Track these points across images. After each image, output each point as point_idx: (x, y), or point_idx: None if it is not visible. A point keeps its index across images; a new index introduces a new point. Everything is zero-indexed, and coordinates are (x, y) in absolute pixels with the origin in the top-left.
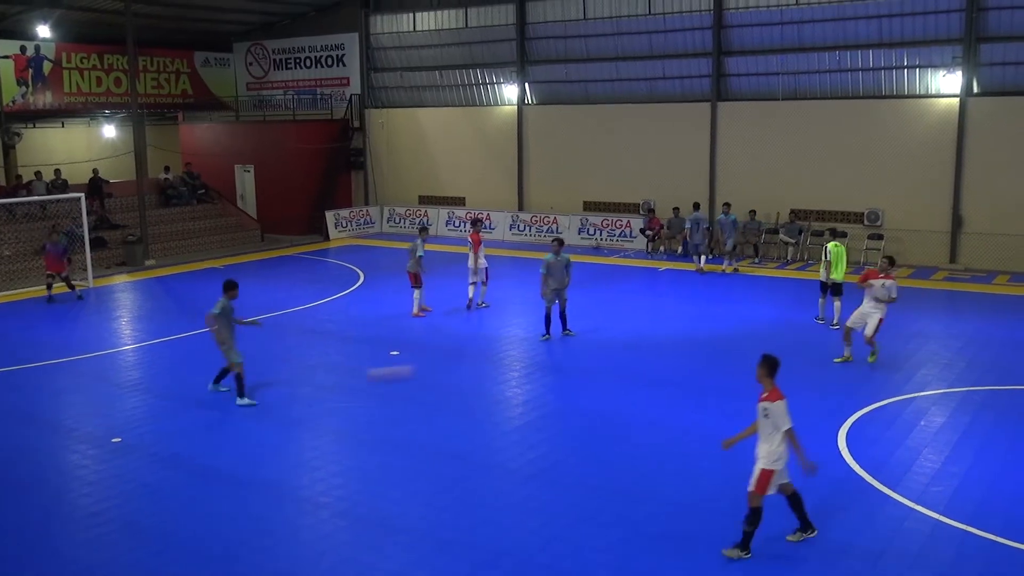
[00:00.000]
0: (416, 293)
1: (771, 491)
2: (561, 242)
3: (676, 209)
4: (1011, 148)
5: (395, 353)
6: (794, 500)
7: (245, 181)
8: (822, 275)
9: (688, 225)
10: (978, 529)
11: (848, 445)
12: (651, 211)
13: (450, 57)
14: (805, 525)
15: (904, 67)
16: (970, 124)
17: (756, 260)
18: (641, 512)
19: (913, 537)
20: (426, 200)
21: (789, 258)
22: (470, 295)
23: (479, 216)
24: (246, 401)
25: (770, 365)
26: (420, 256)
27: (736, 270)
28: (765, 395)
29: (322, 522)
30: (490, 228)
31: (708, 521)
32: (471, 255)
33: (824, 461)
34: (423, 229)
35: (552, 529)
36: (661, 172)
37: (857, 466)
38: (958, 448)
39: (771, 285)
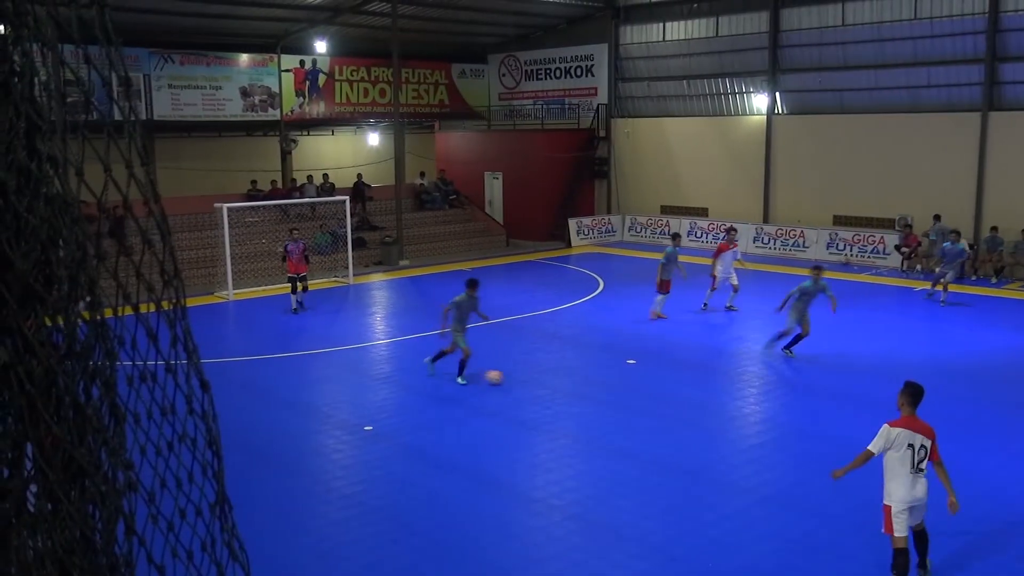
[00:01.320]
0: (660, 297)
1: (898, 531)
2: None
3: (936, 217)
4: None
5: (631, 362)
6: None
7: (494, 188)
8: None
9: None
10: None
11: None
12: (908, 227)
13: (699, 66)
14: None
15: None
16: None
17: None
18: (875, 548)
19: None
20: (668, 210)
21: None
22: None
23: (732, 226)
24: (461, 380)
25: (910, 393)
26: (664, 263)
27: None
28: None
29: (554, 524)
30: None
31: (953, 558)
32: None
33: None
34: (676, 236)
35: (787, 556)
36: (921, 186)
37: None
38: None
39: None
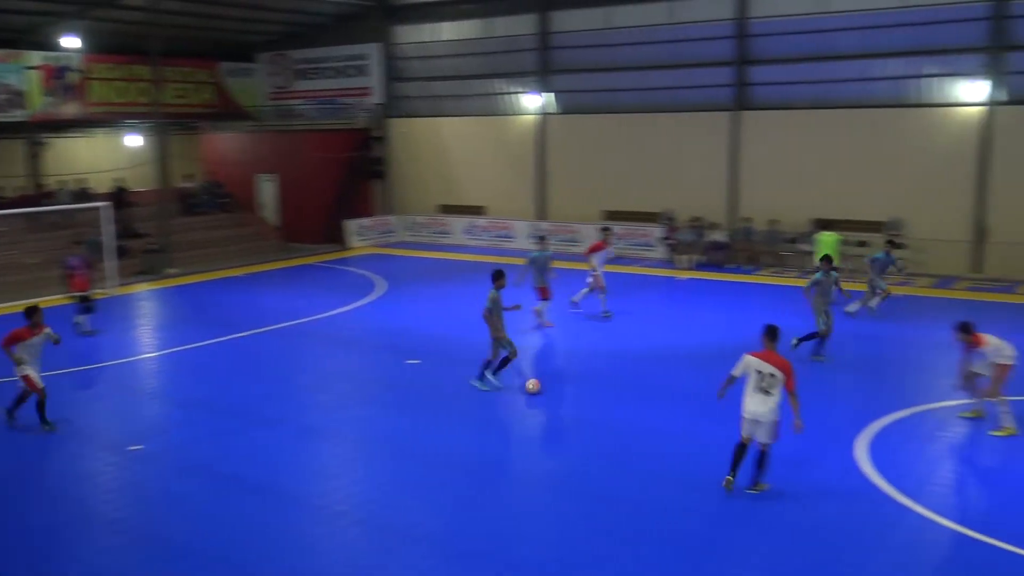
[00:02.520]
0: (540, 305)
1: (743, 431)
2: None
3: (697, 219)
4: None
5: (415, 362)
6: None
7: (267, 190)
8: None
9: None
10: (995, 539)
11: (869, 455)
12: (671, 220)
13: (472, 67)
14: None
15: (929, 76)
16: (997, 133)
17: (778, 270)
18: (660, 524)
19: (932, 548)
20: (446, 209)
21: (810, 268)
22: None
23: (607, 225)
24: (494, 381)
25: (766, 333)
26: (531, 267)
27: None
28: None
29: (340, 531)
30: (511, 237)
31: (736, 531)
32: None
33: (843, 471)
34: (542, 238)
35: (572, 542)
36: (682, 182)
37: (877, 476)
38: (980, 459)
39: (793, 295)
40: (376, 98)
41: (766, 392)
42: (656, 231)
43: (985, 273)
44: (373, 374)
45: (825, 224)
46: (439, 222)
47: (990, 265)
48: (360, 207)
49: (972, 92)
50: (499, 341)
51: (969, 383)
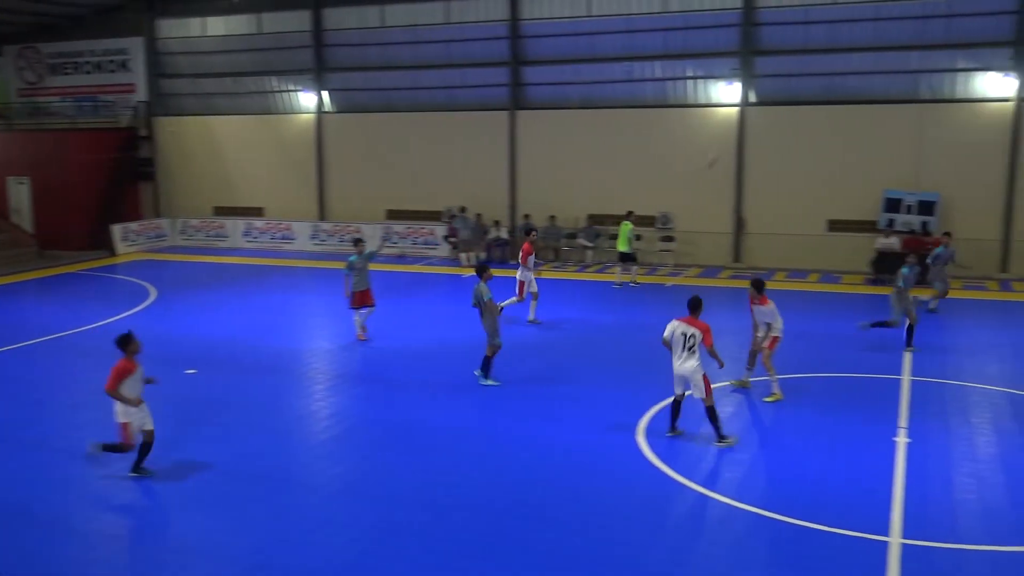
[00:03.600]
0: (364, 313)
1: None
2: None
3: (479, 215)
4: (785, 153)
5: (191, 371)
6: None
7: (19, 194)
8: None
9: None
10: (766, 510)
11: (646, 437)
12: (453, 218)
13: (245, 64)
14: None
15: (688, 78)
16: (749, 132)
17: (557, 264)
18: (453, 521)
19: (708, 523)
20: (223, 211)
21: (587, 261)
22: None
23: (531, 225)
24: (490, 382)
25: (690, 304)
26: (346, 273)
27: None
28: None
29: (115, 555)
30: (291, 238)
31: (521, 525)
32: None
33: (624, 455)
34: (359, 241)
35: (362, 544)
36: (463, 179)
37: (655, 457)
38: (750, 435)
39: (571, 288)
40: (140, 95)
41: (690, 351)
42: (439, 229)
43: (744, 262)
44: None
45: (599, 220)
46: (215, 224)
47: (748, 255)
48: (128, 211)
49: (728, 93)
50: (492, 338)
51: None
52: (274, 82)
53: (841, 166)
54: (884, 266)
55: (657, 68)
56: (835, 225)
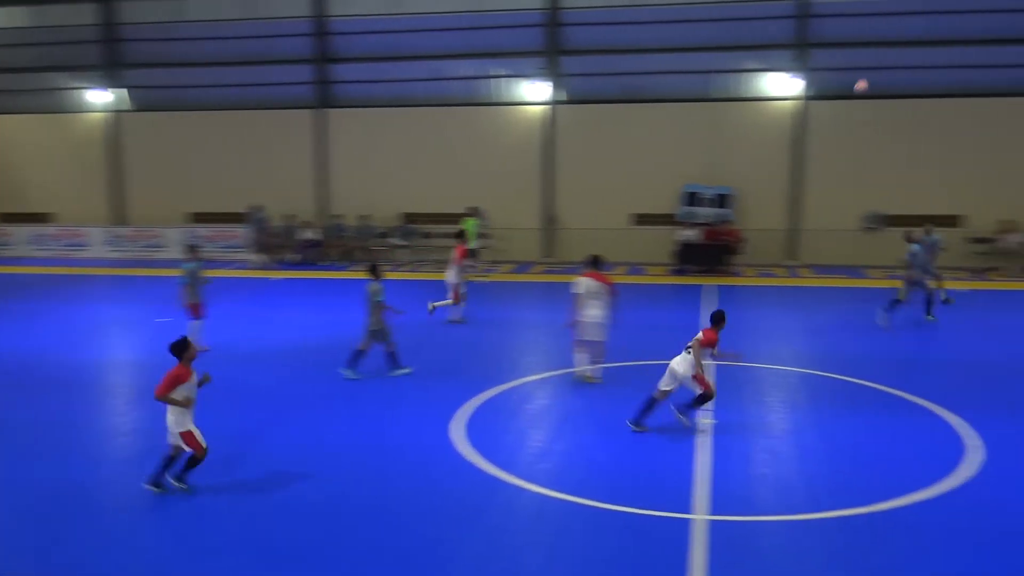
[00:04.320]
0: (195, 324)
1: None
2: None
3: (292, 216)
4: (592, 150)
5: None
6: None
7: None
8: None
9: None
10: (580, 498)
11: (466, 433)
12: (261, 220)
13: (26, 59)
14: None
15: (496, 76)
16: (557, 129)
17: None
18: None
19: (524, 514)
20: (8, 218)
21: (402, 261)
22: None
23: (463, 229)
24: (351, 374)
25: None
26: (187, 282)
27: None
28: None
29: None
30: (85, 246)
31: (332, 525)
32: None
33: (437, 452)
34: (194, 247)
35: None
36: (270, 180)
37: (472, 452)
38: (565, 424)
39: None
40: None
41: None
42: (245, 231)
43: (555, 257)
44: None
45: (413, 218)
46: (2, 231)
47: (560, 249)
48: None
49: (535, 92)
50: (375, 334)
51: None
52: (61, 79)
53: (644, 162)
54: (687, 257)
55: (466, 67)
56: (640, 219)
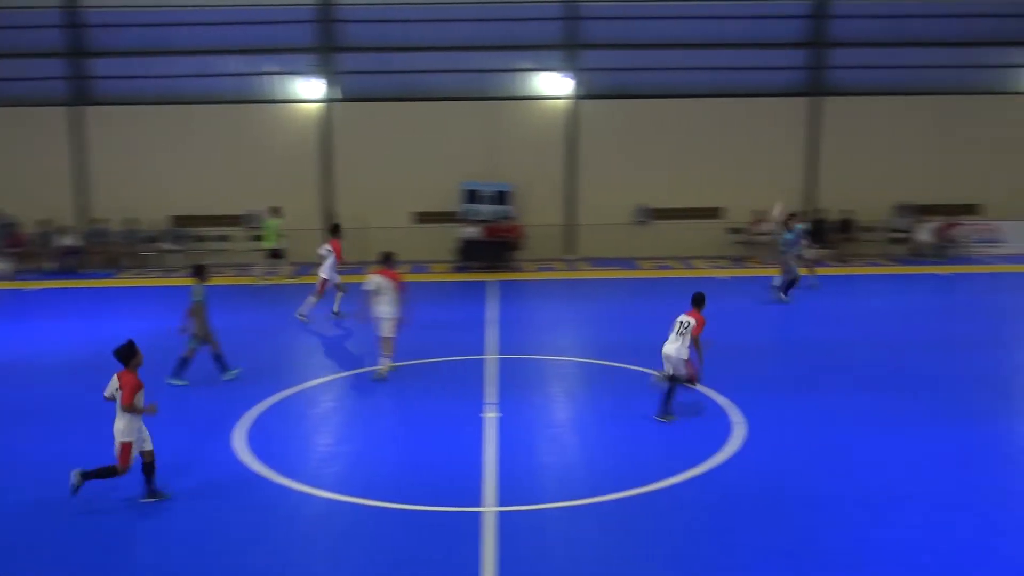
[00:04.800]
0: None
1: None
2: None
3: (47, 221)
4: (371, 149)
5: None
6: None
7: None
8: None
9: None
10: (368, 499)
11: (248, 442)
12: (12, 226)
13: None
14: None
15: (269, 73)
16: (335, 127)
17: (139, 270)
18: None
19: (310, 521)
20: None
21: (174, 266)
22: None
23: (337, 222)
24: (179, 382)
25: None
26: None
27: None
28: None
29: None
30: None
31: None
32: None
33: (220, 462)
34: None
35: None
36: (22, 182)
37: (255, 461)
38: (350, 426)
39: (157, 294)
40: None
41: (681, 336)
42: None
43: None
44: None
45: (186, 221)
46: None
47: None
48: None
49: (309, 90)
50: (200, 337)
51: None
52: None
53: (424, 160)
54: (469, 254)
55: (236, 63)
56: (421, 217)
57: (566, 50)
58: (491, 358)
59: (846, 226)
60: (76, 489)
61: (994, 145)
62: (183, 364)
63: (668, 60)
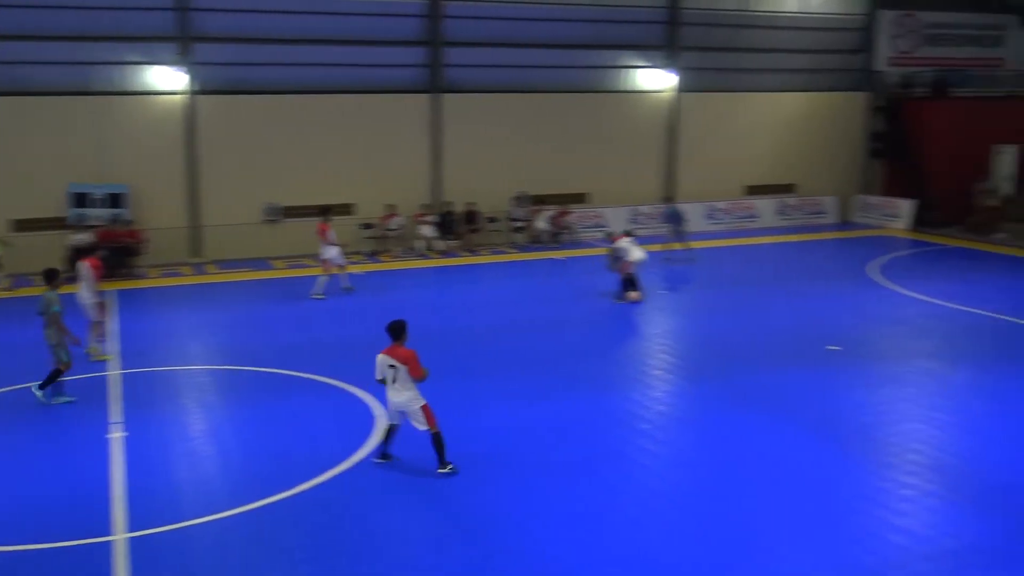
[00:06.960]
0: None
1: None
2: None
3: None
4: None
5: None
6: None
7: None
8: None
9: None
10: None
11: None
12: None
13: None
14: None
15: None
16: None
17: None
18: None
19: None
20: None
21: None
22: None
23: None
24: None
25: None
26: None
27: None
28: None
29: None
30: None
31: None
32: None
33: None
34: None
35: None
36: None
37: None
38: None
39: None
40: None
41: (402, 383)
42: None
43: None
44: None
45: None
46: None
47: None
48: None
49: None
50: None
51: None
52: None
53: (21, 162)
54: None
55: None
56: (22, 225)
57: (178, 42)
58: (114, 374)
59: (471, 217)
60: None
61: (597, 139)
62: (55, 377)
63: (289, 56)
